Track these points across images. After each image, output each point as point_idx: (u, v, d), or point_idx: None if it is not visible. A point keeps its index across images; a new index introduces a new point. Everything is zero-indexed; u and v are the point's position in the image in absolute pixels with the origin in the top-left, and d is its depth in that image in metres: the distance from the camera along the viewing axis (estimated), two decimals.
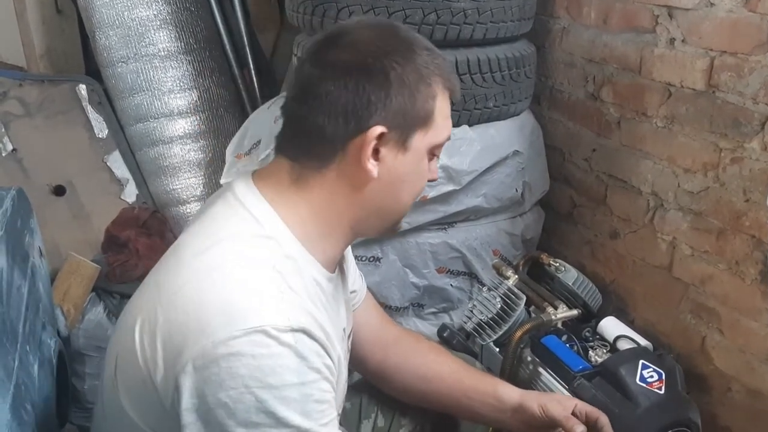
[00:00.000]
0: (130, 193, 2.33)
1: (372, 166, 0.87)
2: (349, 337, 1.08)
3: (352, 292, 1.16)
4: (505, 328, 1.63)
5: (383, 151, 0.87)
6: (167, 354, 0.80)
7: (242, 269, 0.83)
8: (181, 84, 2.33)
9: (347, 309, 1.07)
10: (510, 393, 1.17)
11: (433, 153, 0.93)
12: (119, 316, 1.02)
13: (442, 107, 0.90)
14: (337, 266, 0.99)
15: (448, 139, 0.95)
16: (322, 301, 0.91)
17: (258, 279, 0.83)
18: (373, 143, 0.86)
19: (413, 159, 0.90)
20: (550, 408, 1.13)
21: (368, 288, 1.27)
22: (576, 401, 1.17)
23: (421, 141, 0.89)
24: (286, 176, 0.90)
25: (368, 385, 1.28)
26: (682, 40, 1.60)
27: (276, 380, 0.77)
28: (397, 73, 0.85)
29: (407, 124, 0.87)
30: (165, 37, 2.30)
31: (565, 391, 1.46)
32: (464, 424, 1.30)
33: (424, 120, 0.88)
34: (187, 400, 0.78)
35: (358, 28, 0.89)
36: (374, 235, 1.03)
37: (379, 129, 0.85)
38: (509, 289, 1.69)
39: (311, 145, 0.89)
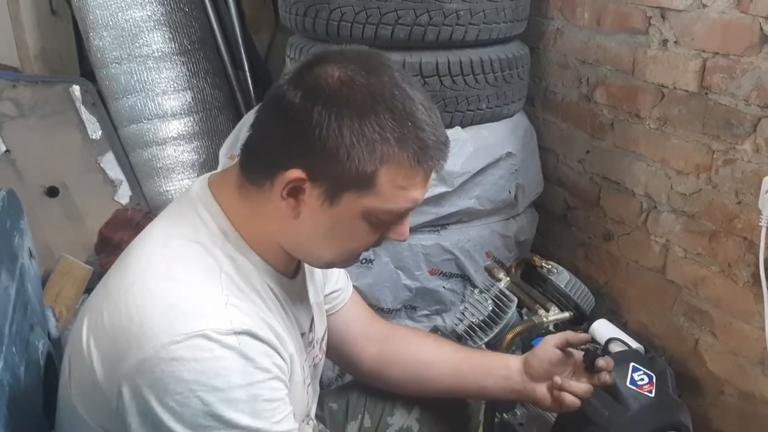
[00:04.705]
0: (124, 195, 2.32)
1: (287, 206, 0.85)
2: (317, 342, 1.08)
3: (334, 292, 1.17)
4: (496, 330, 1.63)
5: (307, 195, 0.84)
6: (112, 357, 0.81)
7: (188, 272, 0.83)
8: (175, 85, 2.32)
9: (318, 313, 1.07)
10: (513, 359, 1.21)
11: (379, 219, 0.86)
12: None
13: (394, 177, 0.82)
14: (300, 271, 1.00)
15: (406, 211, 0.88)
16: (275, 303, 0.91)
17: (203, 283, 0.83)
18: (289, 184, 0.83)
19: (340, 216, 0.85)
20: (548, 340, 1.17)
21: (359, 290, 1.27)
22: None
23: (353, 202, 0.84)
24: (234, 182, 0.90)
25: (355, 387, 1.28)
26: (675, 42, 1.60)
27: (221, 383, 0.77)
28: (332, 128, 0.80)
29: (335, 179, 0.82)
30: (159, 38, 2.30)
31: None
32: (453, 423, 1.30)
33: (356, 182, 0.82)
34: (132, 406, 0.78)
35: (332, 66, 0.83)
36: (312, 265, 1.01)
37: (296, 173, 0.82)
38: (501, 292, 1.69)
39: (254, 162, 0.88)
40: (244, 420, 0.79)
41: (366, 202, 0.84)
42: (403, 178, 0.83)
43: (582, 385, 1.14)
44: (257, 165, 0.87)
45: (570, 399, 1.13)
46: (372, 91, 0.81)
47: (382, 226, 0.88)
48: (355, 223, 0.86)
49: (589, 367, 1.15)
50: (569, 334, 1.18)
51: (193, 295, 0.81)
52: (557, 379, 1.13)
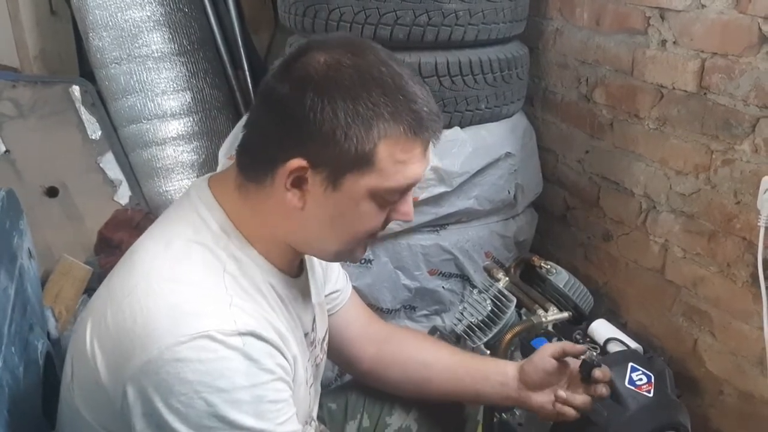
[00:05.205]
0: (123, 195, 2.32)
1: (293, 196, 0.85)
2: (319, 342, 1.08)
3: (334, 292, 1.17)
4: (495, 330, 1.63)
5: (310, 184, 0.84)
6: (116, 359, 0.81)
7: (192, 273, 0.83)
8: (175, 85, 2.32)
9: (320, 313, 1.08)
10: (510, 365, 1.22)
11: (384, 198, 0.87)
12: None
13: (393, 152, 0.83)
14: (303, 271, 1.00)
15: (408, 186, 0.88)
16: (278, 303, 0.91)
17: (207, 283, 0.83)
18: (292, 175, 0.83)
19: (345, 200, 0.85)
20: (546, 349, 1.17)
21: (358, 290, 1.27)
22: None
23: (355, 183, 0.84)
24: (233, 183, 0.91)
25: (354, 386, 1.28)
26: (674, 42, 1.60)
27: (225, 384, 0.77)
28: (326, 111, 0.80)
29: (335, 163, 0.83)
30: (158, 39, 2.30)
31: None
32: (452, 423, 1.31)
33: (357, 162, 0.83)
34: (137, 407, 0.79)
35: (317, 53, 0.84)
36: (320, 258, 1.02)
37: (297, 162, 0.82)
38: (500, 291, 1.69)
39: (251, 161, 0.89)
40: (248, 421, 0.79)
41: (368, 181, 0.84)
42: (401, 151, 0.84)
43: (581, 398, 1.14)
44: (256, 163, 0.88)
45: (570, 412, 1.13)
46: (360, 71, 0.82)
47: (386, 205, 0.89)
48: (359, 205, 0.86)
49: (585, 378, 1.14)
50: (567, 345, 1.17)
51: (197, 296, 0.81)
52: (561, 394, 1.13)
